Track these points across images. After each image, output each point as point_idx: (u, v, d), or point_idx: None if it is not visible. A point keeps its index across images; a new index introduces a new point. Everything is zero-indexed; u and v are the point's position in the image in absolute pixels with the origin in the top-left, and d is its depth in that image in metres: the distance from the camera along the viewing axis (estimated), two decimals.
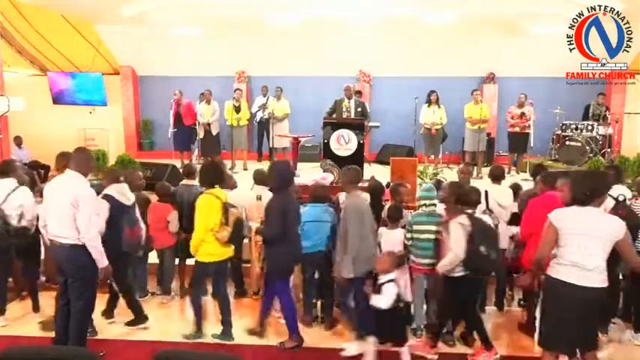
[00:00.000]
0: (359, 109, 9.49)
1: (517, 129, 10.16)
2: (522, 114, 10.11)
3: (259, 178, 5.74)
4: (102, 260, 4.19)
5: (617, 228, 3.56)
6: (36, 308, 5.42)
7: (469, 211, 4.52)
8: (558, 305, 3.60)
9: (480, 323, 4.63)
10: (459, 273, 4.44)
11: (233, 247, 4.86)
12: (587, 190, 3.57)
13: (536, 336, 3.99)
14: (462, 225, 4.38)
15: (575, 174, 3.86)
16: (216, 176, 4.82)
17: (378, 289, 4.34)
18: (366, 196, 5.14)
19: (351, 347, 4.61)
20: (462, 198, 4.55)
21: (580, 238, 3.52)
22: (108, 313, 5.22)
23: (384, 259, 4.48)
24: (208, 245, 4.63)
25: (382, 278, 4.35)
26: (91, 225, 4.10)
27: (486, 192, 5.33)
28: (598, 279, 3.53)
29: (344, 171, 5.71)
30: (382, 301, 4.25)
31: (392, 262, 4.39)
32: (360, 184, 5.16)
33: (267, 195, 5.08)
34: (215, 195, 4.63)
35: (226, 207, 4.68)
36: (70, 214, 4.04)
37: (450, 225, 4.45)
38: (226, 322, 4.89)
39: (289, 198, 4.70)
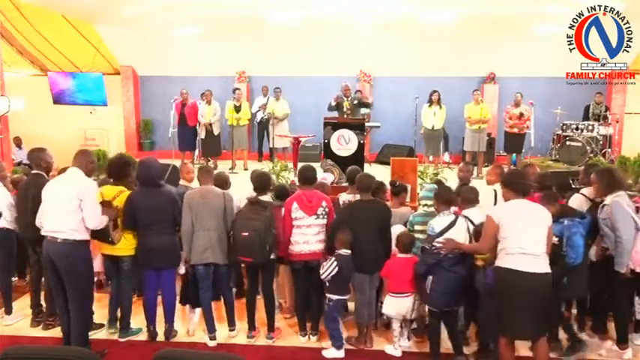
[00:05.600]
0: (355, 102, 9.59)
1: (515, 130, 10.18)
2: (521, 114, 10.09)
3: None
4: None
5: (549, 215, 3.86)
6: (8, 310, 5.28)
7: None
8: (510, 293, 3.71)
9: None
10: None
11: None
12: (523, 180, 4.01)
13: None
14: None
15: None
16: (116, 172, 4.81)
17: None
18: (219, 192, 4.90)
19: None
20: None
21: (523, 226, 3.71)
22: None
23: None
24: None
25: None
26: (96, 215, 4.23)
27: (495, 191, 5.34)
28: (544, 265, 3.72)
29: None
30: None
31: None
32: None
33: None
34: (100, 191, 4.62)
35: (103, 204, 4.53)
36: (72, 207, 4.13)
37: None
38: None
39: (140, 195, 4.63)
